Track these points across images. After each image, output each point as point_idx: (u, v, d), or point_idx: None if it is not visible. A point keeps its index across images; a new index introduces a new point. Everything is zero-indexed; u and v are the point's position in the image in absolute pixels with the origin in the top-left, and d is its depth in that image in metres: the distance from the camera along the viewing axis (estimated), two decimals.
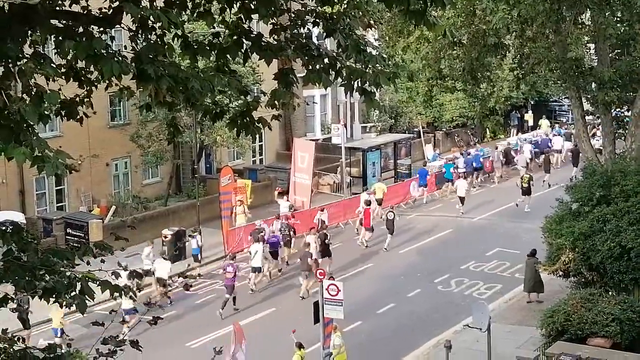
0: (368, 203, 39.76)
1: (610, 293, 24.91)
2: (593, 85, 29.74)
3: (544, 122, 61.76)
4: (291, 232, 37.22)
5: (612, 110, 30.26)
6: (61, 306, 8.33)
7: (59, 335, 27.06)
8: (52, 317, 27.47)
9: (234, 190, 41.07)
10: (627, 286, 24.95)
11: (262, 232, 35.37)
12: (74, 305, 8.24)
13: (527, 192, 43.49)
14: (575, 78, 29.05)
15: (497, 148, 53.22)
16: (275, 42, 9.55)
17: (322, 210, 40.09)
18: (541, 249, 27.89)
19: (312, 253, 32.97)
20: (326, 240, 34.66)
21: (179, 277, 32.65)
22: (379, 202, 42.52)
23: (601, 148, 31.87)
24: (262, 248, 33.64)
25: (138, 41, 8.75)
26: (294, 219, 38.91)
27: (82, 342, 22.05)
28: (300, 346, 24.13)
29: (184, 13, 9.10)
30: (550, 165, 49.45)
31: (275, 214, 39.24)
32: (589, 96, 30.59)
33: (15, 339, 8.20)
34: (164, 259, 32.72)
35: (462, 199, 43.94)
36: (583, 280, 26.04)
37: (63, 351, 8.12)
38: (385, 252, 37.62)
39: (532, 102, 64.58)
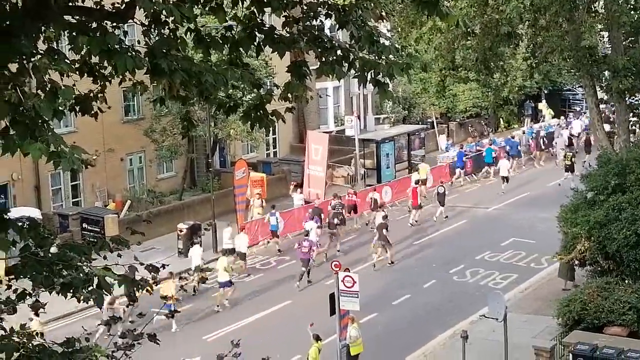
0: (417, 182, 42.55)
1: (626, 281, 24.84)
2: (607, 73, 29.61)
3: (547, 111, 61.57)
4: (344, 211, 38.58)
5: (627, 98, 30.12)
6: (79, 301, 8.37)
7: (227, 286, 30.53)
8: (165, 292, 28.51)
9: (252, 183, 41.24)
10: None
11: (322, 211, 37.67)
12: (91, 299, 8.28)
13: (570, 169, 45.13)
14: (588, 66, 28.93)
15: (524, 133, 54.99)
16: (288, 35, 9.55)
17: (375, 190, 42.50)
18: (557, 238, 27.83)
19: (387, 224, 35.11)
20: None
21: (194, 272, 32.79)
22: (424, 182, 44.14)
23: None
24: (317, 226, 35.78)
25: (151, 36, 8.76)
26: (355, 197, 41.11)
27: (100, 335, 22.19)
28: (317, 338, 24.16)
29: (196, 7, 9.10)
30: (591, 146, 49.29)
31: (291, 205, 39.56)
32: (602, 84, 30.45)
33: (34, 333, 8.25)
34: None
35: (505, 179, 45.84)
36: (599, 269, 25.98)
37: (82, 345, 8.16)
38: (434, 221, 39.44)
39: (546, 92, 64.32)
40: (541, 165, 52.19)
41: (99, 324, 21.63)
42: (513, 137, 52.92)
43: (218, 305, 30.99)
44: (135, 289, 8.52)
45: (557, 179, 45.83)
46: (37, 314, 8.12)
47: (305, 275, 32.92)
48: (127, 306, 27.46)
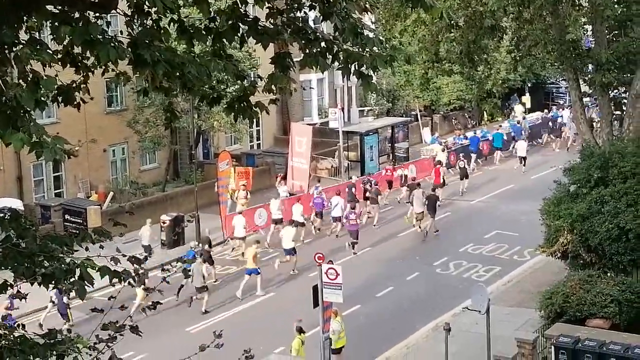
0: (439, 162, 44.34)
1: (608, 274, 24.94)
2: (590, 66, 29.69)
3: (518, 108, 61.50)
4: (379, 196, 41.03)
5: (610, 92, 30.22)
6: (61, 292, 8.34)
7: (255, 274, 31.29)
8: (247, 259, 31.91)
9: (238, 174, 41.24)
10: (626, 267, 24.98)
11: (355, 196, 39.51)
12: (73, 291, 8.25)
13: None
14: (572, 60, 28.99)
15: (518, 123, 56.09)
16: (272, 26, 9.52)
17: (404, 167, 45.80)
18: (540, 231, 27.92)
19: (438, 196, 39.14)
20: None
21: (177, 263, 32.73)
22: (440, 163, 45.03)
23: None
24: (343, 201, 38.23)
25: (134, 26, 8.71)
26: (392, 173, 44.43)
27: (82, 327, 22.12)
28: (300, 330, 24.16)
29: None
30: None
31: (273, 197, 39.66)
32: (586, 78, 30.53)
33: (15, 325, 8.21)
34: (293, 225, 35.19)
35: (523, 159, 48.53)
36: (581, 261, 26.06)
37: (63, 336, 8.13)
38: (439, 204, 39.48)
39: (529, 85, 64.47)
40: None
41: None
42: (518, 123, 55.29)
43: (293, 270, 33.31)
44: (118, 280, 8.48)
45: (544, 171, 46.08)
46: (61, 293, 8.09)
47: (352, 246, 35.40)
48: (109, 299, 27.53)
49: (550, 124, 57.26)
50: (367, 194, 40.62)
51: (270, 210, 38.49)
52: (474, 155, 50.39)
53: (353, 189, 40.20)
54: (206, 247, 33.20)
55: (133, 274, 8.41)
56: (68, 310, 27.84)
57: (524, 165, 48.54)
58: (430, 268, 33.53)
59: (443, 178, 42.97)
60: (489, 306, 21.93)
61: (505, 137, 52.45)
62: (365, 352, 25.99)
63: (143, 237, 34.66)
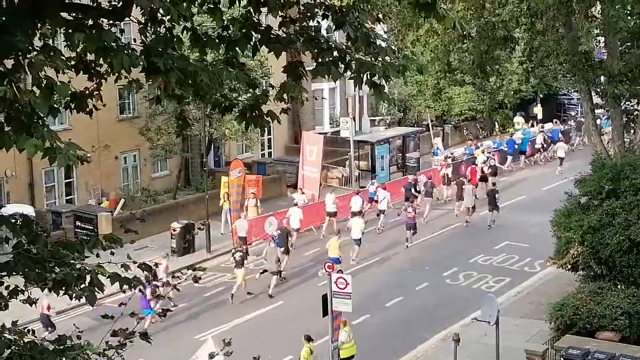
0: (473, 162, 47.31)
1: (619, 287, 24.87)
2: (602, 78, 29.66)
3: (519, 120, 61.10)
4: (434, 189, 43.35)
5: (622, 104, 30.18)
6: (71, 298, 8.36)
7: (337, 262, 31.57)
8: (330, 247, 32.99)
9: (247, 183, 41.29)
10: (636, 280, 24.89)
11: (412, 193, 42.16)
12: (83, 297, 8.27)
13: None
14: (584, 71, 28.98)
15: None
16: (285, 35, 9.54)
17: (448, 166, 46.71)
18: (550, 243, 27.85)
19: (497, 190, 41.70)
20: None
21: (188, 270, 32.72)
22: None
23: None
24: (389, 195, 41.11)
25: (147, 34, 8.74)
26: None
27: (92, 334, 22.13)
28: (309, 339, 24.14)
29: (193, 6, 9.09)
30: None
31: (286, 206, 39.93)
32: (598, 89, 30.49)
33: (26, 330, 8.23)
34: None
35: (562, 160, 50.25)
36: (592, 273, 26.00)
37: (73, 343, 8.14)
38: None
39: (541, 96, 64.36)
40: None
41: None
42: (556, 123, 57.82)
43: (353, 260, 34.99)
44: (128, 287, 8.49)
45: (551, 183, 45.96)
46: (71, 298, 8.14)
47: (410, 238, 37.52)
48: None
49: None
50: (415, 190, 43.10)
51: (325, 203, 40.45)
52: (510, 157, 52.48)
53: (414, 184, 43.20)
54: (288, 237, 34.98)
55: (144, 281, 8.44)
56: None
57: (561, 165, 49.76)
58: (440, 278, 33.46)
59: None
60: (499, 317, 21.90)
61: (529, 143, 54.10)
62: None
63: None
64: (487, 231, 39.48)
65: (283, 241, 33.90)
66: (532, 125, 60.73)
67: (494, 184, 42.64)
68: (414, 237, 37.82)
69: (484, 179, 44.87)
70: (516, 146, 53.27)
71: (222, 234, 38.96)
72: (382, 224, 40.41)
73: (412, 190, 42.87)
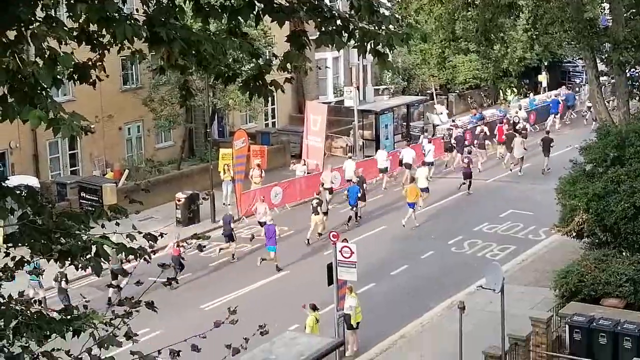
0: (500, 121, 49.82)
1: (624, 254, 24.91)
2: (607, 45, 29.53)
3: (511, 92, 60.83)
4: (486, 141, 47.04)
5: (627, 71, 30.06)
6: (77, 268, 8.38)
7: (412, 208, 35.74)
8: (408, 193, 36.41)
9: (252, 153, 41.35)
10: None
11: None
12: (89, 267, 8.29)
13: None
14: (589, 38, 28.85)
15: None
16: (288, 4, 9.48)
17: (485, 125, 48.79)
18: (555, 210, 27.87)
19: (552, 138, 44.80)
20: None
21: (192, 239, 32.84)
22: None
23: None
24: (434, 148, 44.35)
25: (150, 4, 8.70)
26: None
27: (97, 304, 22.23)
28: (314, 308, 24.24)
29: None
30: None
31: (290, 176, 40.12)
32: (603, 56, 30.36)
33: (32, 301, 8.27)
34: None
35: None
36: (597, 241, 26.04)
37: (79, 312, 8.18)
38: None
39: (546, 64, 64.11)
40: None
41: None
42: (571, 89, 58.75)
43: (420, 206, 37.07)
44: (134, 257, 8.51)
45: (560, 150, 45.89)
46: (77, 269, 8.19)
47: (467, 187, 40.85)
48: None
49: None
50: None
51: (377, 160, 43.13)
52: (552, 116, 54.65)
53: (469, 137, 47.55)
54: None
55: (149, 251, 8.45)
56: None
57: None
58: (445, 247, 33.53)
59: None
60: (504, 285, 21.93)
61: (560, 103, 55.79)
62: (379, 330, 26.08)
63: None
64: (491, 199, 39.51)
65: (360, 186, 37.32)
66: (538, 94, 60.58)
67: (547, 132, 46.73)
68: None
69: (512, 135, 46.58)
70: (560, 104, 55.74)
71: (224, 204, 39.01)
72: (430, 175, 42.72)
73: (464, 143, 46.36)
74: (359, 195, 36.93)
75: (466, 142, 47.44)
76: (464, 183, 41.16)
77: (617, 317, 22.42)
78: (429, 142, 45.07)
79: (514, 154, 44.56)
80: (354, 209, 36.79)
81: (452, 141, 46.86)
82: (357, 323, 24.84)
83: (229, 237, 33.34)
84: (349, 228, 35.70)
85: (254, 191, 38.86)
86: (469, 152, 43.02)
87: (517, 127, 48.99)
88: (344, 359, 24.18)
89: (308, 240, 34.39)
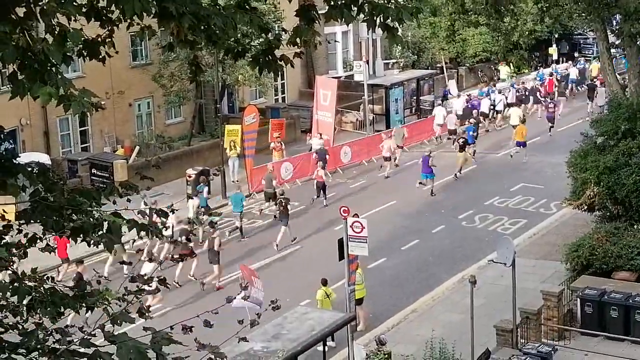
0: (550, 74, 55.29)
1: (635, 227, 24.87)
2: (618, 17, 29.35)
3: (503, 69, 60.25)
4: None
5: (638, 42, 29.88)
6: (89, 245, 8.41)
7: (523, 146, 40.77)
8: (517, 133, 41.44)
9: (272, 126, 41.43)
10: None
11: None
12: (101, 244, 8.32)
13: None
14: (600, 10, 28.67)
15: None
16: None
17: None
18: (566, 184, 27.83)
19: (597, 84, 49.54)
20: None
21: (203, 215, 32.96)
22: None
23: None
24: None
25: None
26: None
27: (111, 279, 22.33)
28: (325, 282, 24.29)
29: None
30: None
31: (303, 150, 39.75)
32: (614, 28, 30.18)
33: (45, 277, 8.30)
34: None
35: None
36: (608, 214, 26.00)
37: (92, 288, 8.21)
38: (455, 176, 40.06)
39: (556, 36, 63.81)
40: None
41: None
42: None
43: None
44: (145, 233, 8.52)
45: (571, 123, 45.82)
46: (89, 245, 8.21)
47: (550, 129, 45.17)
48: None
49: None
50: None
51: (435, 118, 46.68)
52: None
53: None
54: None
55: (160, 227, 8.46)
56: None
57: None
58: (455, 221, 33.52)
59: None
60: (515, 259, 21.96)
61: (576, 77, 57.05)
62: (391, 305, 26.15)
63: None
64: (503, 173, 39.43)
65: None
66: (548, 67, 60.35)
67: (592, 80, 52.95)
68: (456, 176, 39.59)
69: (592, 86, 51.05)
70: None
71: (232, 181, 39.04)
72: (486, 128, 47.64)
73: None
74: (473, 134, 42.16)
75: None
76: (552, 127, 45.37)
77: (629, 290, 22.42)
78: (487, 96, 49.86)
79: (597, 102, 48.28)
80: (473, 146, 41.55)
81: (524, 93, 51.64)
82: (361, 299, 24.74)
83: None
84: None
85: (273, 164, 38.72)
86: (551, 99, 48.64)
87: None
88: (355, 334, 24.25)
89: (456, 174, 39.08)
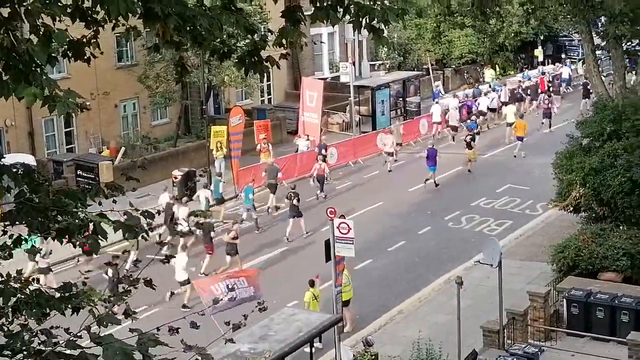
0: (542, 73, 56.39)
1: (621, 228, 24.96)
2: (603, 19, 29.45)
3: (488, 72, 60.37)
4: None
5: (623, 44, 29.99)
6: (74, 246, 8.36)
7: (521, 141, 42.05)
8: (517, 128, 42.73)
9: (257, 128, 41.37)
10: (638, 220, 24.99)
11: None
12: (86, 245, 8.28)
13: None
14: (585, 12, 28.75)
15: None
16: None
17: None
18: (552, 185, 27.89)
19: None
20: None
21: (189, 217, 32.84)
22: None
23: None
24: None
25: None
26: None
27: (95, 282, 22.24)
28: (312, 284, 24.26)
29: None
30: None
31: (289, 152, 39.72)
32: (599, 30, 30.28)
33: (30, 279, 8.26)
34: None
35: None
36: (594, 215, 26.08)
37: (78, 289, 8.17)
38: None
39: (542, 38, 64.02)
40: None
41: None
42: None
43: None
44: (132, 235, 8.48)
45: (556, 125, 45.99)
46: (74, 246, 8.09)
47: (548, 124, 46.46)
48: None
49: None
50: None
51: (432, 116, 47.09)
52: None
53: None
54: None
55: (146, 228, 8.42)
56: None
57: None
58: (442, 222, 33.56)
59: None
60: (501, 260, 21.98)
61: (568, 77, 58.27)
62: (377, 306, 26.14)
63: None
64: (488, 174, 39.52)
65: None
66: (534, 68, 60.52)
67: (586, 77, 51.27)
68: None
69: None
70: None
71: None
72: (488, 121, 49.14)
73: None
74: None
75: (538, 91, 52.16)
76: (543, 123, 46.56)
77: (615, 291, 22.49)
78: (486, 94, 50.59)
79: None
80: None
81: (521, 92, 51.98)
82: (347, 301, 24.70)
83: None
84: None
85: (259, 166, 38.67)
86: (549, 96, 48.97)
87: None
88: (342, 335, 24.23)
89: (469, 170, 39.90)
